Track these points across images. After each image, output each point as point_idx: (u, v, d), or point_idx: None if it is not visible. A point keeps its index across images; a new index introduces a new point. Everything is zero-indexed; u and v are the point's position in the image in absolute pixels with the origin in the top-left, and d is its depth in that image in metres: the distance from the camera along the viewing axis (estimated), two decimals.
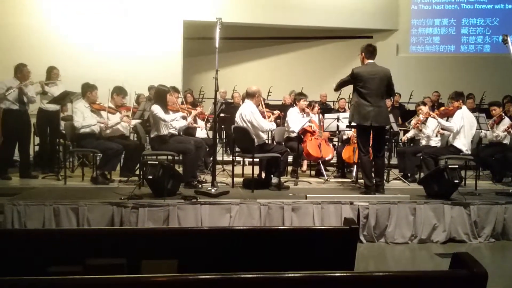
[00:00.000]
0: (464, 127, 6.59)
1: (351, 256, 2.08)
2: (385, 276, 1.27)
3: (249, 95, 6.16)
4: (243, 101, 6.81)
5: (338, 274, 1.34)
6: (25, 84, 6.55)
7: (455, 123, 6.62)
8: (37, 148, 7.75)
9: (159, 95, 6.13)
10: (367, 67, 5.79)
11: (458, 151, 6.64)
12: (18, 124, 6.45)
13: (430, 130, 7.04)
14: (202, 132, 7.89)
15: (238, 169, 7.57)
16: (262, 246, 1.97)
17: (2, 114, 6.60)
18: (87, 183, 6.44)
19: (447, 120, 6.96)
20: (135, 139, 7.60)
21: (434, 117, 6.86)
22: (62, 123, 7.13)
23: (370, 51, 5.86)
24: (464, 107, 6.80)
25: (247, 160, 7.10)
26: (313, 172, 7.96)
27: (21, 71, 6.57)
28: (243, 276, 1.42)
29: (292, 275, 1.41)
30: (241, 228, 2.00)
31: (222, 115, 8.17)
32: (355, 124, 5.80)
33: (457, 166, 5.65)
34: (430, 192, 5.81)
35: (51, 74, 7.23)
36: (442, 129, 6.96)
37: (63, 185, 6.20)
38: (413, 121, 7.65)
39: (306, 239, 2.10)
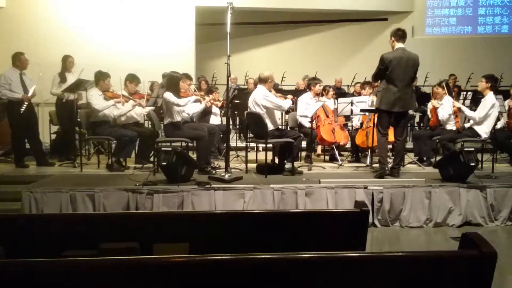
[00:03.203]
0: (490, 116, 6.49)
1: (363, 239, 2.08)
2: (394, 256, 1.27)
3: (262, 80, 6.13)
4: (255, 87, 6.79)
5: (348, 255, 1.34)
6: (22, 72, 6.61)
7: (479, 112, 6.54)
8: (53, 136, 7.85)
9: (172, 81, 6.14)
10: (396, 52, 5.74)
11: (476, 134, 6.55)
12: (23, 114, 6.50)
13: (446, 114, 6.93)
14: (216, 118, 7.90)
15: (252, 155, 7.58)
16: (272, 229, 1.97)
17: (6, 106, 6.66)
18: (103, 170, 6.51)
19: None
20: (150, 126, 7.64)
21: (460, 108, 6.76)
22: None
23: (399, 35, 5.82)
24: (491, 93, 6.62)
25: (260, 145, 7.10)
26: (327, 157, 7.92)
27: (19, 59, 6.59)
28: (252, 256, 1.43)
29: (301, 255, 1.41)
30: (251, 211, 2.00)
31: (236, 101, 8.16)
32: (383, 109, 5.76)
33: (473, 149, 5.57)
34: (446, 175, 5.75)
35: (66, 62, 7.27)
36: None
37: (79, 172, 6.28)
38: (430, 105, 7.52)
39: (317, 222, 2.10)
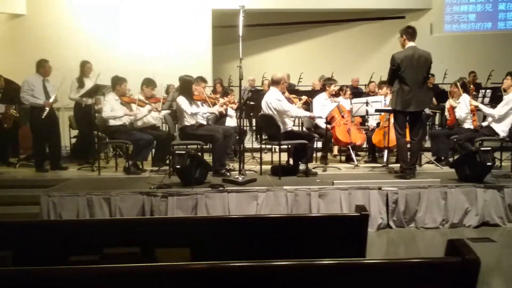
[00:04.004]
0: (510, 114, 6.37)
1: (362, 242, 2.08)
2: (377, 264, 1.27)
3: (274, 82, 6.15)
4: (269, 88, 6.81)
5: (319, 263, 1.35)
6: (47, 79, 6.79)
7: (499, 109, 6.43)
8: (73, 140, 8.02)
9: (184, 85, 6.21)
10: (408, 51, 5.64)
11: (494, 133, 6.44)
12: (44, 119, 6.66)
13: (463, 113, 6.83)
14: (232, 120, 7.95)
15: (268, 157, 7.61)
16: (269, 234, 2.00)
17: (30, 111, 6.84)
18: (120, 173, 6.63)
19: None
20: (167, 129, 7.75)
21: (477, 107, 6.66)
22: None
23: (410, 33, 5.70)
24: None
25: (276, 147, 7.12)
26: (343, 158, 7.89)
27: (43, 67, 6.76)
28: (243, 264, 1.45)
29: (280, 263, 1.43)
30: (249, 216, 2.03)
31: (251, 103, 8.20)
32: (398, 110, 5.72)
33: (489, 148, 5.48)
34: (462, 175, 5.67)
35: (84, 68, 7.43)
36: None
37: (97, 176, 6.41)
38: (447, 104, 7.42)
39: (317, 226, 2.11)
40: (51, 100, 6.68)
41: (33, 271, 1.61)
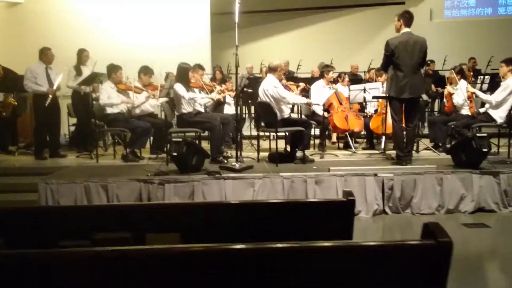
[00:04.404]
0: (507, 100, 6.35)
1: (349, 227, 2.11)
2: (355, 246, 1.30)
3: (271, 69, 6.15)
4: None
5: (309, 245, 1.38)
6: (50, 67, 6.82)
7: (496, 95, 6.41)
8: (72, 128, 8.05)
9: (181, 73, 6.22)
10: (402, 37, 5.61)
11: (491, 119, 6.44)
12: (48, 107, 6.68)
13: (460, 99, 6.82)
14: (230, 108, 7.96)
15: (266, 144, 7.63)
16: (257, 219, 2.02)
17: (33, 98, 6.87)
18: (119, 161, 6.66)
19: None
20: (164, 117, 7.75)
21: (474, 93, 6.65)
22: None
23: (407, 18, 5.66)
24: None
25: (274, 134, 7.14)
26: (342, 145, 7.90)
27: (45, 55, 6.79)
28: (237, 247, 1.47)
29: (277, 245, 1.45)
30: (238, 202, 2.06)
31: (249, 90, 8.18)
32: (392, 96, 5.70)
33: (485, 135, 5.48)
34: (459, 161, 5.68)
35: (82, 56, 7.43)
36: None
37: (95, 164, 6.44)
38: (445, 91, 7.41)
39: (304, 212, 2.14)
40: (54, 87, 6.71)
41: (24, 254, 1.63)
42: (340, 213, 2.10)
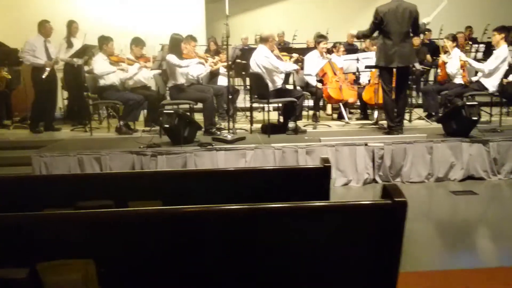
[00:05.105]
0: (499, 69, 6.33)
1: (326, 193, 2.17)
2: (314, 206, 1.35)
3: (263, 40, 6.13)
4: None
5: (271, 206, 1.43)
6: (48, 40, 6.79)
7: (489, 63, 6.38)
8: (66, 102, 8.05)
9: (173, 44, 6.20)
10: (391, 4, 5.55)
11: (483, 88, 6.44)
12: (46, 79, 6.69)
13: (454, 68, 6.80)
14: (224, 79, 7.93)
15: (261, 115, 7.65)
16: (234, 187, 2.07)
17: (31, 70, 6.86)
18: (113, 134, 6.70)
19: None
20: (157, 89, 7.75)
21: (466, 61, 6.62)
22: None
23: None
24: (504, 46, 6.41)
25: (270, 105, 7.15)
26: (336, 116, 7.92)
27: (44, 27, 6.77)
28: (224, 207, 1.51)
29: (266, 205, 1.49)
30: (219, 170, 2.11)
31: (242, 61, 8.15)
32: (381, 66, 5.67)
33: (476, 103, 5.50)
34: (449, 130, 5.72)
35: (71, 28, 7.38)
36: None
37: (89, 136, 6.48)
38: (439, 60, 7.39)
39: (281, 179, 2.19)
40: (52, 60, 6.71)
41: (8, 217, 1.69)
42: (317, 179, 2.15)
